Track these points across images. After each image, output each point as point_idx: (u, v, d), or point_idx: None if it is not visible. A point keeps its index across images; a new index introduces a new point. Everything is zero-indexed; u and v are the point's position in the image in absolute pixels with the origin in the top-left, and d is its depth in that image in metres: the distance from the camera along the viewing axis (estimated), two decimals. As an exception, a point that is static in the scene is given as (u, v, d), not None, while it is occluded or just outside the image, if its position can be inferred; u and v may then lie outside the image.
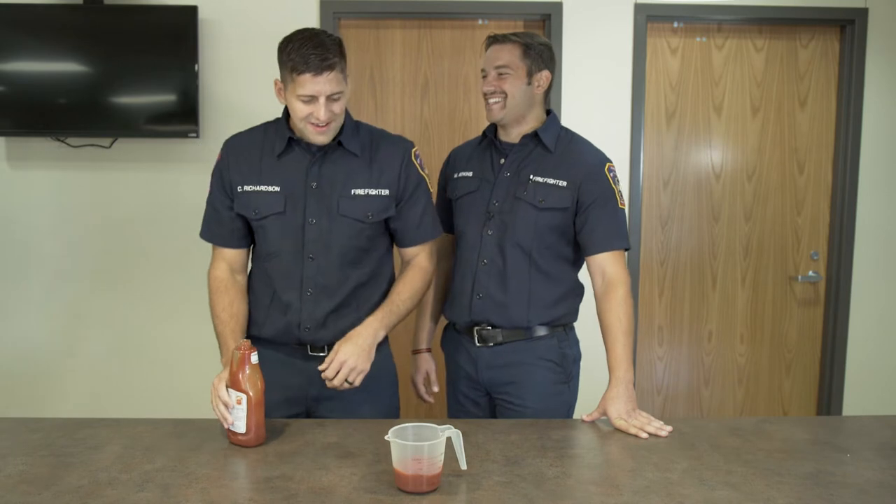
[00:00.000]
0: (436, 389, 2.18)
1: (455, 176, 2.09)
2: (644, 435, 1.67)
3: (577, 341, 2.05)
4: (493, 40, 1.98)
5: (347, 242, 1.83)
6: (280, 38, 1.78)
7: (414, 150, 1.92)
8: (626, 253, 1.95)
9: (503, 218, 1.95)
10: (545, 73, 1.97)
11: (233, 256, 1.91)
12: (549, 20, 3.12)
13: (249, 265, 1.96)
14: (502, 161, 2.00)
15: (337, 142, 1.82)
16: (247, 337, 1.88)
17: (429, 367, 2.17)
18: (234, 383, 1.59)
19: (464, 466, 1.44)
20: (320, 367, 1.75)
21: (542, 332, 1.96)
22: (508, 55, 1.94)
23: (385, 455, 1.47)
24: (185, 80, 2.95)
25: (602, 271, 1.90)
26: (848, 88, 3.21)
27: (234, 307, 1.84)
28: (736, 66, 3.25)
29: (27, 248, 3.13)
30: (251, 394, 1.57)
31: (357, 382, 1.75)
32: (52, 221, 3.12)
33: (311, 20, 3.05)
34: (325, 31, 1.77)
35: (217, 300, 1.86)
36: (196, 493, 1.36)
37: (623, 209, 1.95)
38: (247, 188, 1.84)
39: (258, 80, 3.06)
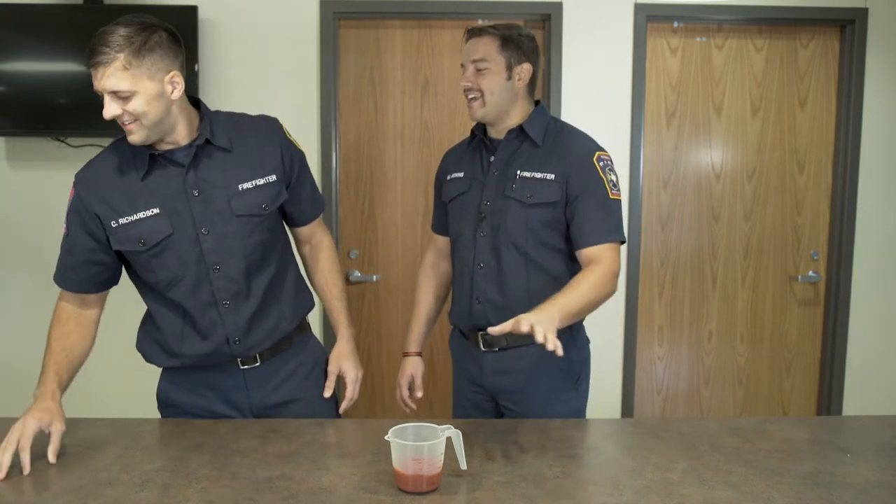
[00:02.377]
0: (419, 395, 2.13)
1: (448, 178, 2.06)
2: (497, 331, 1.49)
3: (585, 342, 1.99)
4: (471, 33, 1.90)
5: (249, 241, 1.71)
6: (280, 38, 1.78)
7: (281, 125, 1.81)
8: (620, 246, 1.85)
9: (495, 218, 1.90)
10: (525, 66, 1.88)
11: (86, 297, 1.76)
12: (549, 20, 3.12)
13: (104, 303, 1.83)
14: (492, 159, 1.94)
15: (205, 140, 1.67)
16: (165, 370, 1.82)
17: (415, 370, 2.13)
18: None
19: (464, 466, 1.44)
20: (340, 406, 1.87)
21: None
22: (485, 48, 1.86)
23: (385, 455, 1.47)
24: (185, 80, 2.94)
25: (590, 263, 1.80)
26: (848, 88, 3.21)
27: (69, 339, 1.71)
28: (736, 66, 3.25)
29: (27, 248, 3.13)
30: None
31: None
32: (52, 221, 3.11)
33: (311, 20, 3.05)
34: (147, 22, 1.58)
35: (54, 326, 1.72)
36: (196, 493, 1.36)
37: (616, 199, 1.86)
38: (122, 221, 1.65)
39: (258, 80, 3.06)
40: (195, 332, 1.73)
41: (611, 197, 1.85)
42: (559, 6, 3.10)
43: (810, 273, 3.33)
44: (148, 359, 1.82)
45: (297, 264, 1.90)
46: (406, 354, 2.16)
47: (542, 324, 1.49)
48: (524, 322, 1.49)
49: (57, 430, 1.54)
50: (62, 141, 3.05)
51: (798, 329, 3.38)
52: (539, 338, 1.46)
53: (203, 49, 3.01)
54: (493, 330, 1.52)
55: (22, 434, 1.48)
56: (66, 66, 2.97)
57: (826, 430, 1.74)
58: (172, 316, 1.74)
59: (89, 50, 1.53)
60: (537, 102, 1.98)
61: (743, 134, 3.28)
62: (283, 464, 1.50)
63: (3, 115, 2.96)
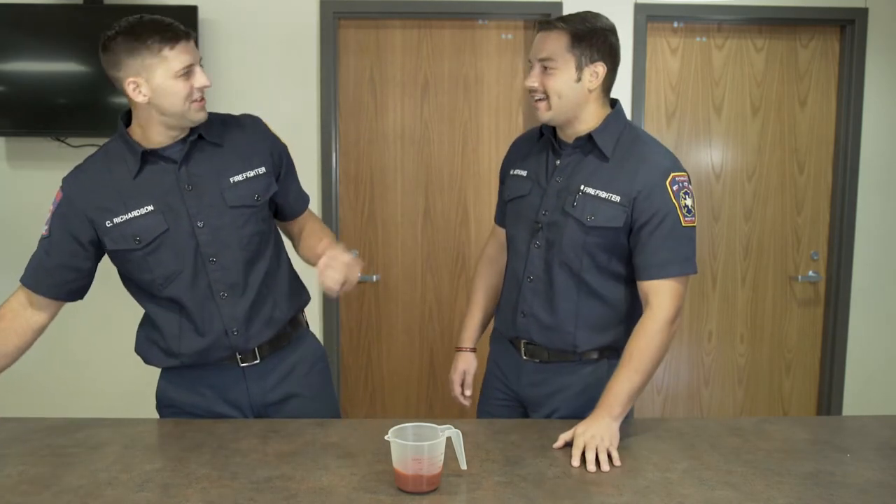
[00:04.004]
0: (468, 393, 2.02)
1: (511, 173, 1.89)
2: (576, 463, 1.50)
3: None
4: (541, 27, 1.72)
5: (244, 232, 1.73)
6: (280, 38, 1.78)
7: (262, 120, 1.84)
8: (687, 279, 1.69)
9: (551, 231, 1.75)
10: (599, 66, 1.68)
11: (38, 299, 1.73)
12: (546, 19, 3.11)
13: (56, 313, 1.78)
14: (558, 163, 1.77)
15: (198, 136, 1.70)
16: (165, 369, 1.82)
17: (467, 367, 2.01)
18: None
19: (464, 466, 1.44)
20: (331, 294, 1.66)
21: (593, 355, 1.78)
22: (553, 45, 1.67)
23: (385, 455, 1.47)
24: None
25: (646, 300, 1.68)
26: (848, 88, 3.21)
27: (2, 335, 1.69)
28: (736, 66, 3.25)
29: (27, 249, 3.12)
30: None
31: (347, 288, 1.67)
32: (52, 221, 3.11)
33: (311, 20, 3.05)
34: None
35: None
36: (196, 493, 1.36)
37: (689, 227, 1.68)
38: (116, 220, 1.66)
39: (258, 80, 3.06)
40: (193, 328, 1.73)
41: (683, 225, 1.68)
42: (559, 6, 3.10)
43: (810, 273, 3.33)
44: (147, 361, 1.82)
45: (290, 260, 1.90)
46: (459, 350, 2.04)
47: (601, 443, 1.52)
48: (579, 440, 1.53)
49: None
50: (62, 141, 3.05)
51: (798, 329, 3.38)
52: (591, 467, 1.48)
53: (203, 49, 3.01)
54: (556, 445, 1.58)
55: None
56: (66, 66, 2.97)
57: (826, 430, 1.74)
58: (169, 314, 1.74)
59: (172, 25, 1.59)
60: (614, 103, 1.79)
61: (743, 134, 3.28)
62: (283, 464, 1.50)
63: (3, 115, 2.96)
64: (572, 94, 1.69)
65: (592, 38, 1.68)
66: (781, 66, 3.25)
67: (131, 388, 3.17)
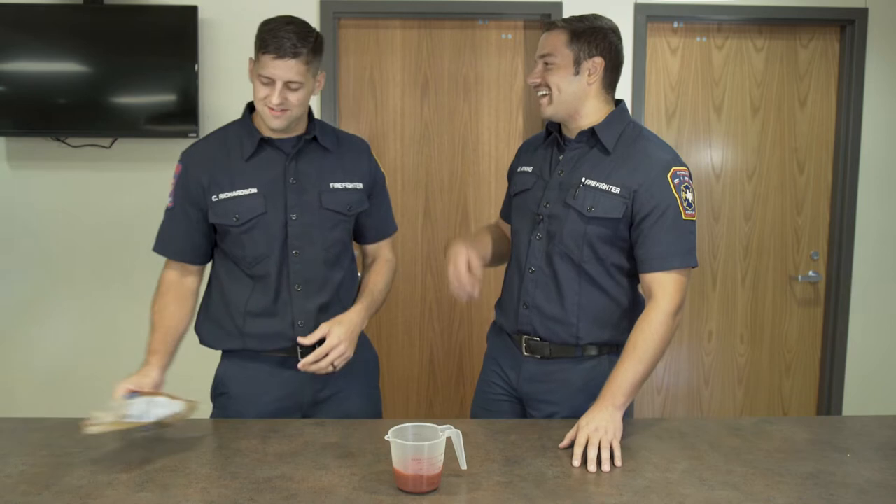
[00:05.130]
0: (479, 274, 1.83)
1: (518, 169, 1.95)
2: (576, 462, 1.50)
3: None
4: (546, 27, 1.80)
5: (329, 235, 1.83)
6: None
7: (370, 147, 1.97)
8: (689, 271, 1.72)
9: (552, 223, 1.78)
10: (597, 60, 1.74)
11: (187, 265, 1.86)
12: (549, 20, 3.12)
13: (207, 274, 1.92)
14: (560, 158, 1.82)
15: (312, 137, 1.82)
16: (226, 356, 1.88)
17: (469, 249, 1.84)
18: None
19: (464, 466, 1.44)
20: (303, 341, 1.76)
21: (593, 351, 1.80)
22: (553, 42, 1.75)
23: (385, 455, 1.47)
24: (185, 80, 2.95)
25: (649, 292, 1.70)
26: (848, 88, 3.21)
27: (168, 310, 1.81)
28: (736, 66, 3.25)
29: (27, 248, 3.13)
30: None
31: (339, 368, 1.77)
32: (52, 221, 3.12)
33: (311, 20, 3.04)
34: (310, 26, 1.75)
35: (156, 298, 1.84)
36: (196, 493, 1.37)
37: (689, 221, 1.71)
38: (221, 196, 1.78)
39: (258, 80, 3.06)
40: (264, 311, 1.81)
41: (683, 218, 1.70)
42: (559, 6, 3.10)
43: (810, 273, 3.33)
44: (206, 342, 1.88)
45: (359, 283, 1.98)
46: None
47: (605, 435, 1.52)
48: (582, 434, 1.54)
49: (148, 386, 1.66)
50: (62, 141, 3.05)
51: (798, 329, 3.38)
52: (591, 466, 1.48)
53: (203, 49, 3.01)
54: (562, 445, 1.58)
55: (116, 391, 1.62)
56: (66, 66, 2.97)
57: (826, 430, 1.74)
58: (244, 292, 1.82)
59: (279, 39, 1.67)
60: (618, 102, 1.84)
61: (743, 134, 3.28)
62: (283, 464, 1.50)
63: (3, 115, 2.96)
64: (571, 87, 1.75)
65: (591, 35, 1.75)
66: (781, 66, 3.25)
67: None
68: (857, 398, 3.32)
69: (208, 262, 1.89)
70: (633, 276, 1.79)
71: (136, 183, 3.09)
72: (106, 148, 3.07)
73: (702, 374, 3.38)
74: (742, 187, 3.30)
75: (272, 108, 1.72)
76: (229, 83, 3.05)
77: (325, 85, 3.06)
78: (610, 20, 1.81)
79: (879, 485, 1.42)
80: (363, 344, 1.94)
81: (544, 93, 1.77)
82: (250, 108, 1.84)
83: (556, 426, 1.72)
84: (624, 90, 3.15)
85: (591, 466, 1.49)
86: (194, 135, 2.95)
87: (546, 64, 1.76)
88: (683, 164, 1.76)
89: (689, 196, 1.73)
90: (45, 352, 3.16)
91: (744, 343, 3.37)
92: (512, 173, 1.99)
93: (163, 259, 1.90)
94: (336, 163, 1.86)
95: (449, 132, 3.22)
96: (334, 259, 1.85)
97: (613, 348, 1.79)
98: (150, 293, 3.35)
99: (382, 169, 1.97)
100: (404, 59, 3.19)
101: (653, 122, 3.25)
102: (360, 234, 1.97)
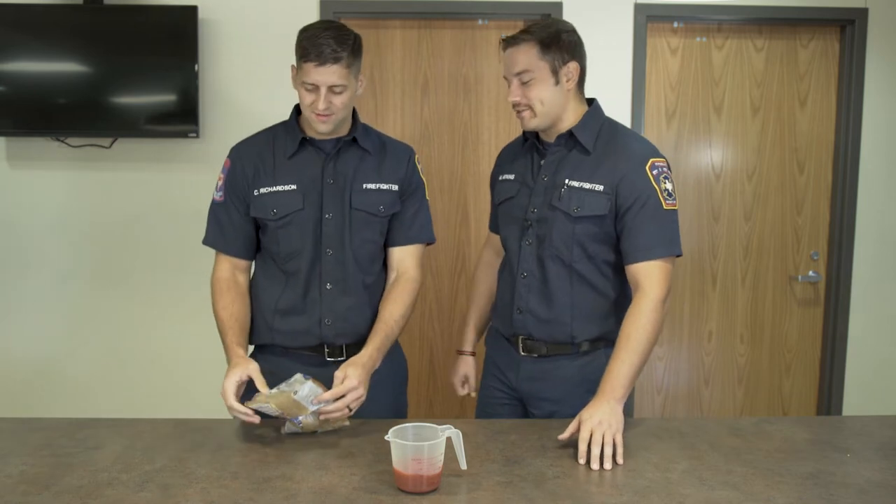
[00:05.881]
0: (473, 395, 2.09)
1: (500, 178, 1.98)
2: (582, 461, 1.50)
3: None
4: (507, 43, 1.79)
5: (361, 236, 1.85)
6: (280, 38, 1.80)
7: (416, 156, 1.96)
8: (673, 260, 1.75)
9: (541, 227, 1.82)
10: (572, 65, 1.76)
11: (237, 262, 1.90)
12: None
13: (252, 270, 1.95)
14: (542, 163, 1.85)
15: (352, 138, 1.86)
16: (257, 353, 1.89)
17: (468, 370, 2.09)
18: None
19: (464, 466, 1.44)
20: (323, 397, 1.62)
21: (587, 347, 1.83)
22: (525, 57, 1.75)
23: (385, 455, 1.47)
24: (185, 80, 2.95)
25: (636, 283, 1.73)
26: (848, 88, 3.21)
27: (233, 307, 1.83)
28: (736, 66, 3.25)
29: (27, 248, 3.13)
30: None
31: (354, 411, 1.67)
32: (52, 221, 3.12)
33: (311, 20, 3.04)
34: (346, 28, 1.80)
35: (216, 300, 1.85)
36: (196, 493, 1.37)
37: (670, 210, 1.75)
38: (262, 190, 1.84)
39: (258, 79, 3.06)
40: (294, 307, 1.84)
41: (664, 208, 1.74)
42: (559, 6, 3.10)
43: (810, 273, 3.33)
44: None
45: None
46: (460, 353, 2.12)
47: (609, 429, 1.53)
48: (586, 427, 1.54)
49: (253, 371, 1.66)
50: (62, 141, 3.05)
51: (798, 329, 3.38)
52: (595, 464, 1.49)
53: (203, 49, 3.01)
54: (563, 437, 1.58)
55: (226, 395, 1.62)
56: (66, 66, 2.97)
57: (826, 430, 1.74)
58: (276, 290, 1.86)
59: (320, 46, 1.71)
60: (591, 102, 1.87)
61: (743, 134, 3.28)
62: (283, 464, 1.50)
63: (3, 115, 2.96)
64: (554, 97, 1.78)
65: (559, 41, 1.76)
66: (781, 66, 3.25)
67: (133, 388, 3.17)
68: (857, 398, 3.32)
69: (253, 258, 1.92)
70: (621, 270, 1.81)
71: (136, 183, 3.09)
72: (106, 148, 3.07)
73: (702, 374, 3.38)
74: (742, 187, 3.30)
75: (319, 114, 1.76)
76: (229, 83, 3.05)
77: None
78: (563, 20, 1.85)
79: (879, 485, 1.42)
80: (393, 347, 1.88)
81: (525, 108, 1.79)
82: (297, 110, 1.89)
83: (556, 426, 1.72)
84: (624, 90, 3.15)
85: (595, 465, 1.49)
86: (194, 135, 2.96)
87: (523, 82, 1.77)
88: (661, 156, 1.79)
89: (669, 186, 1.76)
90: (45, 351, 3.16)
91: (744, 343, 3.37)
92: (494, 182, 2.02)
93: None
94: (374, 165, 1.88)
95: (449, 132, 3.22)
96: (366, 260, 1.87)
97: (608, 342, 1.80)
98: (150, 293, 3.35)
99: (424, 177, 1.96)
100: (404, 59, 3.19)
101: (653, 122, 3.25)
102: (388, 237, 1.93)
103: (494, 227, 2.08)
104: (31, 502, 1.33)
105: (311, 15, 3.04)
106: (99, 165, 3.08)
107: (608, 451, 1.51)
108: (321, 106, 1.74)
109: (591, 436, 1.53)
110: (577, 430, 1.56)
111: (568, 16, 3.10)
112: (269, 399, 1.59)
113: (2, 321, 3.14)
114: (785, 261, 3.34)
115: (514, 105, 1.80)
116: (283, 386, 1.62)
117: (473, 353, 2.11)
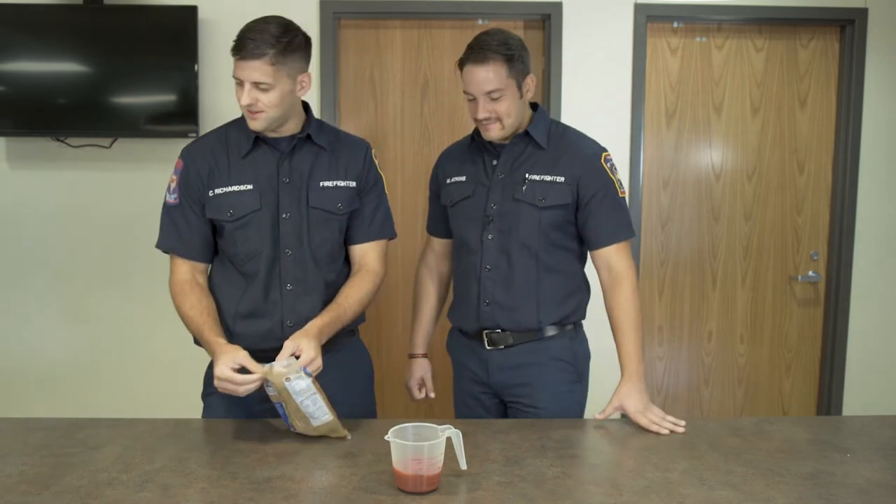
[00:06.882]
0: (431, 395, 2.16)
1: (448, 181, 2.04)
2: (665, 431, 1.70)
3: (585, 339, 2.02)
4: (472, 61, 1.83)
5: (320, 235, 1.82)
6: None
7: (372, 150, 1.94)
8: (631, 241, 1.94)
9: (504, 221, 1.91)
10: (530, 77, 1.89)
11: (196, 265, 1.84)
12: (549, 20, 3.12)
13: (208, 273, 1.89)
14: (494, 162, 1.95)
15: (306, 135, 1.83)
16: None
17: (424, 372, 2.15)
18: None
19: (464, 466, 1.44)
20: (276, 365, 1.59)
21: (552, 331, 1.93)
22: (495, 76, 1.81)
23: (385, 455, 1.47)
24: (185, 80, 2.95)
25: (608, 265, 1.89)
26: (848, 88, 3.21)
27: (201, 304, 1.76)
28: (736, 66, 3.25)
29: (27, 248, 3.13)
30: None
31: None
32: (52, 221, 3.12)
33: (312, 20, 3.05)
34: (285, 24, 1.75)
35: (181, 302, 1.77)
36: (196, 493, 1.36)
37: (624, 198, 1.92)
38: (218, 191, 1.80)
39: (258, 80, 3.06)
40: (254, 311, 1.81)
41: (620, 196, 1.92)
42: (559, 6, 3.10)
43: (810, 273, 3.33)
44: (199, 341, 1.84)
45: None
46: (412, 356, 2.16)
47: (648, 412, 1.76)
48: (643, 419, 1.75)
49: (244, 358, 1.60)
50: (62, 141, 3.05)
51: (798, 329, 3.38)
52: (665, 432, 1.72)
53: (203, 49, 3.01)
54: (599, 416, 1.80)
55: (221, 379, 1.57)
56: (66, 66, 2.97)
57: (826, 430, 1.74)
58: (236, 294, 1.82)
59: (243, 40, 1.70)
60: (535, 106, 1.99)
61: (743, 134, 3.28)
62: (283, 464, 1.50)
63: (3, 115, 2.95)
64: (519, 109, 1.89)
65: (520, 56, 1.86)
66: (781, 66, 3.25)
67: (133, 388, 3.17)
68: (857, 398, 3.32)
69: (211, 261, 1.88)
70: (580, 256, 1.99)
71: (136, 183, 3.09)
72: (106, 148, 3.07)
73: (702, 374, 3.38)
74: (742, 187, 3.30)
75: (248, 111, 1.74)
76: (229, 83, 3.01)
77: (325, 85, 3.09)
78: (508, 31, 1.89)
79: (879, 485, 1.42)
80: (356, 346, 1.93)
81: (495, 121, 1.86)
82: None
83: (556, 426, 1.73)
84: (624, 90, 3.15)
85: (665, 430, 1.71)
86: (194, 135, 2.95)
87: (493, 98, 1.84)
88: (608, 150, 1.97)
89: (619, 177, 1.95)
90: (45, 351, 3.16)
91: (744, 343, 3.37)
92: (440, 186, 2.08)
93: (161, 260, 1.89)
94: (329, 161, 1.85)
95: (449, 132, 3.21)
96: (327, 259, 1.84)
97: (570, 325, 1.96)
98: (150, 293, 3.35)
99: (382, 171, 1.95)
100: (404, 59, 3.19)
101: (653, 122, 3.25)
102: (347, 235, 1.90)
103: (435, 230, 2.16)
104: (31, 502, 1.33)
105: (311, 15, 3.05)
106: (99, 165, 3.08)
107: (669, 422, 1.72)
108: (244, 101, 1.72)
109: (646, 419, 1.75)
110: (617, 409, 1.81)
111: (568, 16, 3.11)
112: (265, 374, 1.55)
113: (1, 321, 3.14)
114: (785, 261, 3.34)
115: (484, 120, 1.87)
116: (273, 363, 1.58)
117: (426, 355, 2.16)
